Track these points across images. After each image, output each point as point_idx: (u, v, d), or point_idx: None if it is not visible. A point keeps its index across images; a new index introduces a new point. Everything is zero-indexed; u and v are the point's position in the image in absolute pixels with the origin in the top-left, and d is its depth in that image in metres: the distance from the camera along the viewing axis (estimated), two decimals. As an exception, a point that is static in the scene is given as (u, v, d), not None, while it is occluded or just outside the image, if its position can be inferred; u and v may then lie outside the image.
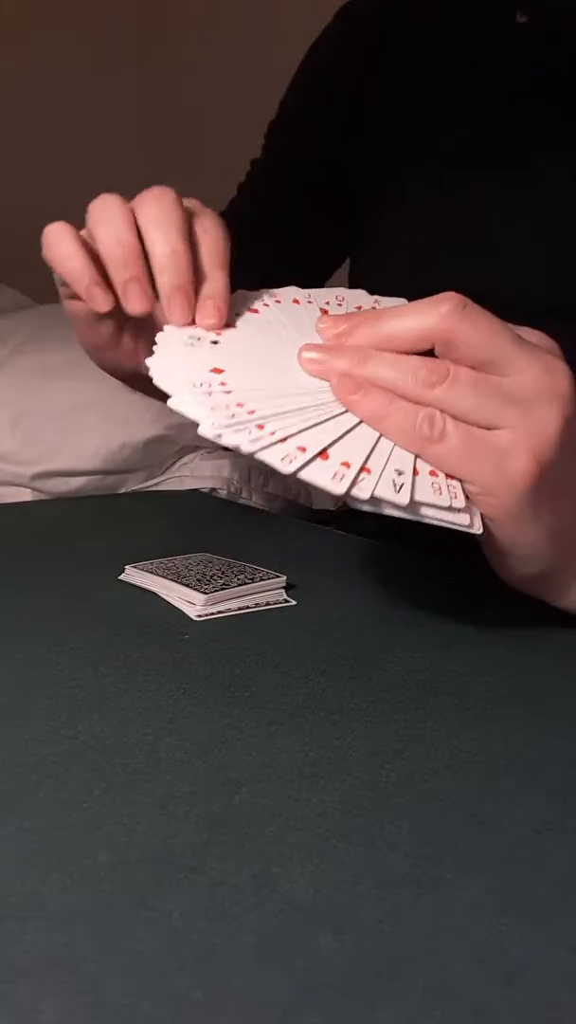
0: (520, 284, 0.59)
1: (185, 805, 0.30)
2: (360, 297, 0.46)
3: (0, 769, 0.32)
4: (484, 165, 0.64)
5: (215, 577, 0.51)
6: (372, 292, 0.49)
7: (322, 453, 0.36)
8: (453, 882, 0.27)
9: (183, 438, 1.13)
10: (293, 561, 0.54)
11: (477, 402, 0.37)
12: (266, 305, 0.45)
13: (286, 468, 0.35)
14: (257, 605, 0.49)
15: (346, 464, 0.35)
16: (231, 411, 0.36)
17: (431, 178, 0.66)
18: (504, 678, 0.41)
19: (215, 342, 0.41)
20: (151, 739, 0.34)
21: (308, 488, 1.61)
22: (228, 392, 0.37)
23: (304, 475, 0.35)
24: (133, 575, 0.53)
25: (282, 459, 0.35)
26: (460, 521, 0.37)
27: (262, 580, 0.50)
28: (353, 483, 0.35)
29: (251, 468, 1.26)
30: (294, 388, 0.38)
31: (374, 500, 0.36)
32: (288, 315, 0.44)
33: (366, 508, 0.36)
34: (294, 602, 0.50)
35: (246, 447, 0.35)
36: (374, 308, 0.44)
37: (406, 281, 0.52)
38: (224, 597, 0.49)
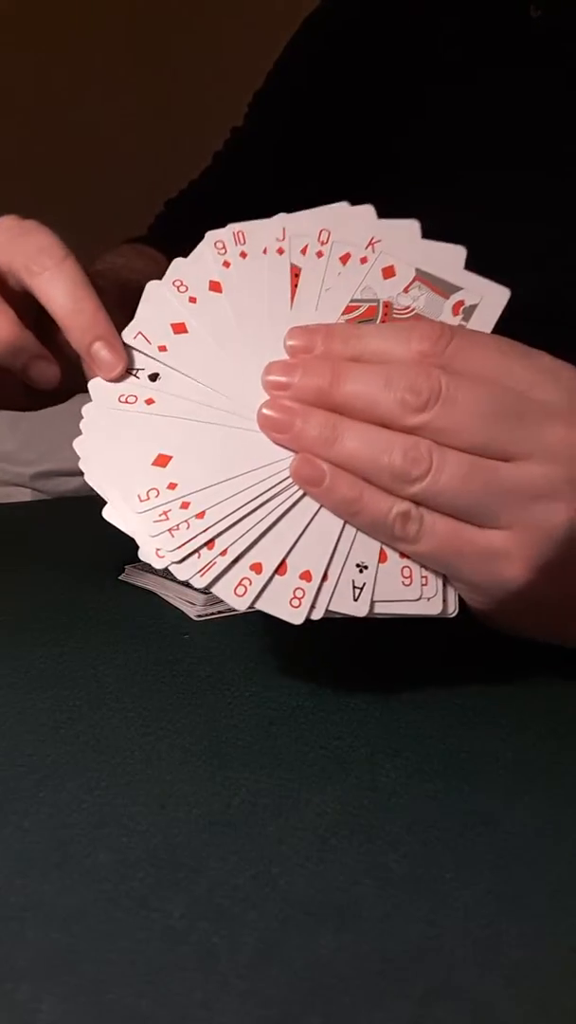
0: (532, 289, 0.58)
1: (185, 805, 0.30)
2: (350, 229, 0.37)
3: (0, 769, 0.32)
4: (495, 165, 0.62)
5: (215, 577, 0.50)
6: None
7: (280, 567, 0.32)
8: (453, 882, 0.27)
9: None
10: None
11: (466, 500, 0.31)
12: (227, 265, 0.36)
13: (241, 603, 0.31)
14: (257, 605, 0.49)
15: (306, 576, 0.32)
16: (175, 521, 0.32)
17: (439, 179, 0.64)
18: (504, 677, 0.41)
19: (154, 376, 0.35)
20: (151, 739, 0.34)
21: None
22: (172, 491, 0.32)
23: (260, 606, 0.32)
24: (133, 575, 0.53)
25: (235, 590, 0.31)
26: (429, 612, 0.33)
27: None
28: (312, 605, 0.32)
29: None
30: (248, 463, 0.33)
31: (329, 613, 0.32)
32: (252, 291, 0.36)
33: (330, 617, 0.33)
34: (294, 602, 0.50)
35: (197, 581, 0.31)
36: (366, 259, 0.35)
37: None
38: (224, 597, 0.49)
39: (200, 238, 0.39)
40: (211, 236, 0.37)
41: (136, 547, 0.32)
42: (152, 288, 0.37)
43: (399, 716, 0.37)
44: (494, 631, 0.46)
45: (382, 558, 0.32)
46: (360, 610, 0.32)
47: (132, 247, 0.66)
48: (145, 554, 0.32)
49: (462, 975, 0.23)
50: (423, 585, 0.33)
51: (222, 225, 0.40)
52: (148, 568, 0.53)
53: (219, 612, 0.48)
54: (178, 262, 0.37)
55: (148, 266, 0.46)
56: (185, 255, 0.39)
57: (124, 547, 0.63)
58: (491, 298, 0.34)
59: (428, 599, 0.33)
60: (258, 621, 0.47)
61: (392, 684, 0.40)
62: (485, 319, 0.34)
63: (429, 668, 0.41)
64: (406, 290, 0.35)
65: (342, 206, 0.37)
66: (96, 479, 0.33)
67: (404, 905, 0.26)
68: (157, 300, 0.36)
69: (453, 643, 0.45)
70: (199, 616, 0.47)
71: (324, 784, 0.32)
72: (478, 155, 0.63)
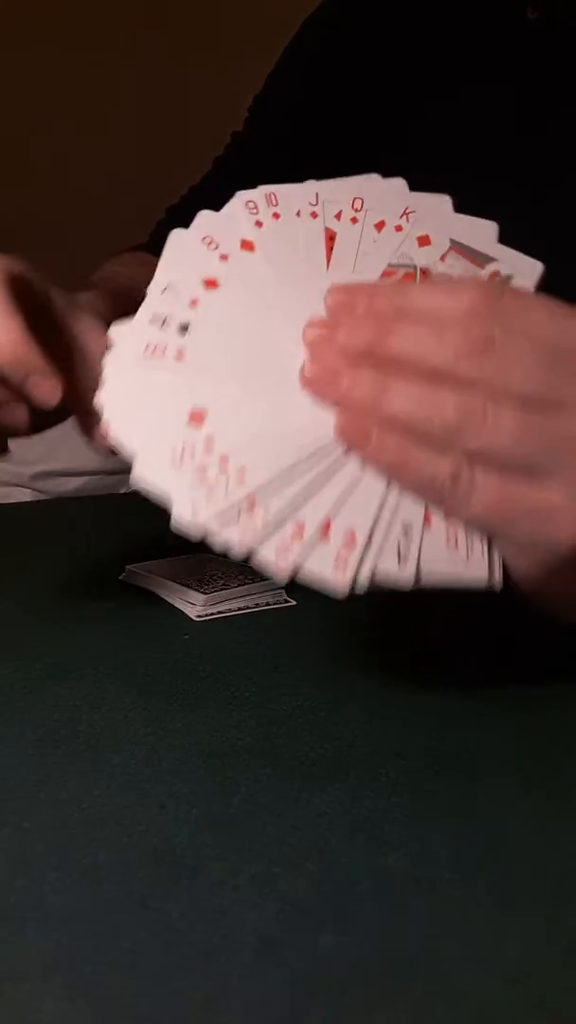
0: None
1: (185, 805, 0.30)
2: (384, 199, 0.36)
3: (0, 769, 0.32)
4: (495, 165, 0.62)
5: (215, 577, 0.51)
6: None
7: (323, 530, 0.30)
8: (453, 882, 0.27)
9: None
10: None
11: (520, 454, 0.30)
12: (259, 225, 0.35)
13: (282, 575, 0.29)
14: (257, 605, 0.49)
15: (349, 539, 0.30)
16: (213, 477, 0.30)
17: (440, 181, 0.64)
18: (504, 677, 0.41)
19: (184, 327, 0.32)
20: (151, 739, 0.34)
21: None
22: (210, 447, 0.30)
23: (304, 575, 0.29)
24: (133, 575, 0.53)
25: (277, 556, 0.29)
26: (478, 577, 0.31)
27: (262, 580, 0.50)
28: (357, 569, 0.30)
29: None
30: (288, 421, 0.31)
31: (375, 582, 0.30)
32: (287, 250, 0.34)
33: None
34: (294, 602, 0.50)
35: (237, 548, 0.29)
36: (401, 227, 0.35)
37: None
38: (224, 597, 0.49)
39: None
40: (242, 196, 0.36)
41: (168, 511, 0.30)
42: (177, 239, 0.35)
43: (399, 716, 0.37)
44: (495, 631, 0.46)
45: (427, 520, 0.31)
46: (406, 574, 0.30)
47: (134, 255, 0.65)
48: (179, 514, 0.29)
49: (462, 975, 0.23)
50: (469, 551, 0.31)
51: None
52: (148, 568, 0.53)
53: (219, 612, 0.48)
54: (206, 217, 0.35)
55: (148, 274, 0.43)
56: None
57: (124, 547, 0.63)
58: (524, 271, 0.33)
59: (475, 566, 0.31)
60: (258, 621, 0.47)
61: (392, 684, 0.40)
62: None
63: (429, 668, 0.41)
64: (442, 259, 0.34)
65: (374, 177, 0.36)
66: (125, 436, 0.31)
67: (404, 905, 0.26)
68: (185, 253, 0.34)
69: (454, 642, 0.45)
70: (199, 616, 0.47)
71: (324, 784, 0.32)
72: (479, 155, 0.63)
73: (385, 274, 0.34)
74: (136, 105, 1.99)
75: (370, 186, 0.36)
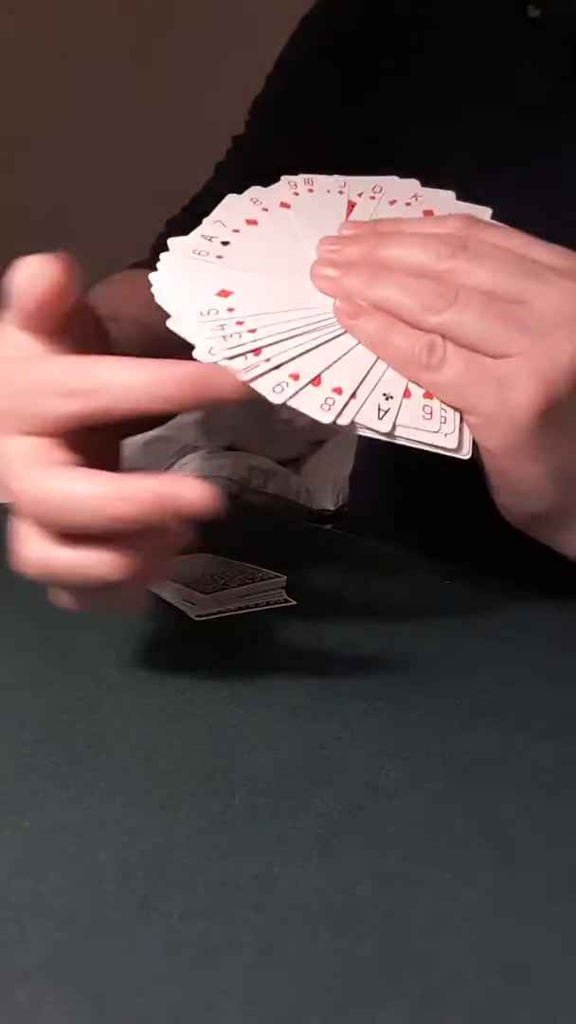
0: None
1: (185, 805, 0.30)
2: (399, 188, 0.44)
3: (0, 769, 0.32)
4: (498, 164, 0.62)
5: (215, 577, 0.51)
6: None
7: (315, 379, 0.36)
8: (453, 882, 0.27)
9: (183, 438, 1.13)
10: (293, 561, 0.54)
11: (484, 328, 0.35)
12: (296, 194, 0.44)
13: (276, 398, 0.35)
14: (257, 605, 0.49)
15: (337, 390, 0.36)
16: (230, 332, 0.36)
17: (440, 178, 0.64)
18: (505, 677, 0.41)
19: (226, 243, 0.41)
20: (151, 739, 0.34)
21: (309, 486, 1.62)
22: (231, 312, 0.37)
23: (293, 403, 0.35)
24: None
25: (274, 388, 0.35)
26: (446, 445, 0.36)
27: (262, 580, 0.50)
28: (340, 412, 0.35)
29: (251, 468, 1.26)
30: (298, 305, 0.38)
31: (355, 425, 0.36)
32: (315, 208, 0.43)
33: (355, 432, 0.36)
34: (294, 602, 0.50)
35: (241, 375, 0.35)
36: (410, 203, 0.43)
37: None
38: (224, 597, 0.49)
39: None
40: (286, 179, 0.44)
41: (192, 348, 0.36)
42: (229, 199, 0.43)
43: (399, 716, 0.37)
44: (494, 631, 0.46)
45: (406, 394, 0.36)
46: (384, 427, 0.35)
47: (134, 275, 0.64)
48: (199, 353, 0.35)
49: (462, 975, 0.23)
50: (442, 422, 0.36)
51: None
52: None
53: (219, 612, 0.48)
54: (255, 188, 0.44)
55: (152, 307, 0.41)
56: None
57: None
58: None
59: (446, 434, 0.36)
60: (258, 621, 0.47)
61: (392, 684, 0.40)
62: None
63: (429, 668, 0.41)
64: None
65: (392, 178, 0.45)
66: (164, 298, 0.37)
67: (404, 905, 0.26)
68: (234, 206, 0.43)
69: (453, 642, 0.45)
70: (199, 616, 0.47)
71: (324, 784, 0.32)
72: (483, 156, 0.63)
73: None
74: (136, 106, 1.99)
75: (388, 180, 0.45)
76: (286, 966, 0.23)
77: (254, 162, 0.73)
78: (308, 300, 0.38)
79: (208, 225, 0.42)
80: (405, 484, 0.74)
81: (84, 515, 0.32)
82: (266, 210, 0.43)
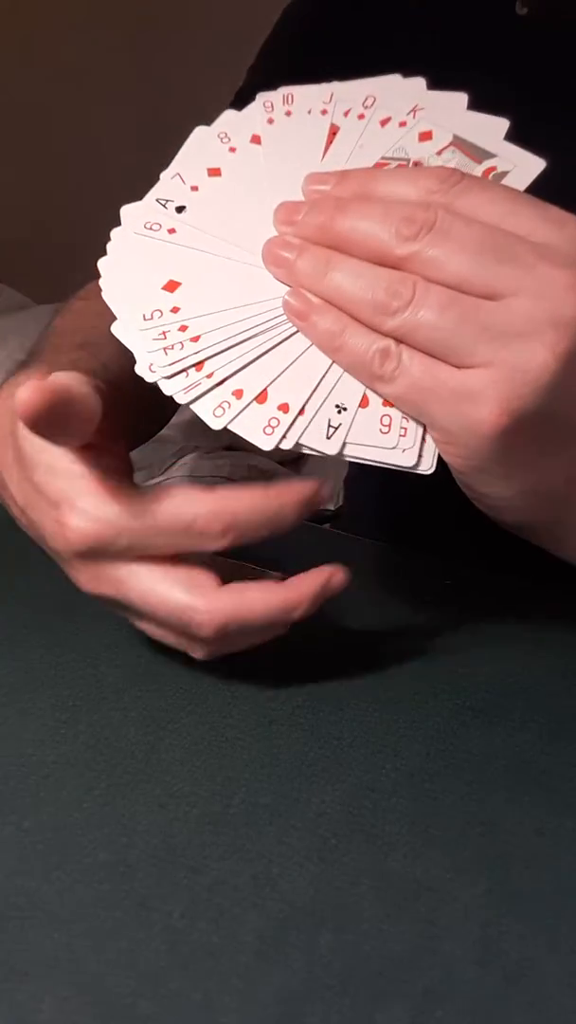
0: None
1: (185, 805, 0.30)
2: (396, 97, 0.38)
3: (0, 769, 0.32)
4: None
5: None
6: None
7: (260, 395, 0.33)
8: (453, 882, 0.27)
9: (182, 438, 1.13)
10: (293, 561, 0.54)
11: (443, 333, 0.30)
12: (271, 121, 0.38)
13: (216, 423, 0.32)
14: (257, 605, 0.49)
15: (283, 407, 0.32)
16: (172, 341, 0.33)
17: None
18: (504, 677, 0.41)
19: (181, 208, 0.36)
20: (151, 739, 0.34)
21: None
22: (174, 315, 0.34)
23: (234, 427, 0.32)
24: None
25: (214, 411, 0.32)
26: (402, 463, 0.33)
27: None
28: (284, 435, 0.32)
29: (251, 468, 1.26)
30: (250, 297, 0.34)
31: (299, 447, 0.33)
32: (289, 142, 0.37)
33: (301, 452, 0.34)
34: (294, 602, 0.50)
35: (180, 397, 0.32)
36: (405, 123, 0.37)
37: None
38: (224, 597, 0.48)
39: None
40: (262, 96, 0.39)
41: (134, 362, 0.33)
42: (198, 133, 0.38)
43: (399, 716, 0.37)
44: (494, 631, 0.46)
45: (363, 403, 0.33)
46: (331, 448, 0.32)
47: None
48: (139, 368, 0.33)
49: (462, 975, 0.23)
50: (401, 436, 0.32)
51: None
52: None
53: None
54: (228, 115, 0.39)
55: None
56: None
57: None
58: (524, 167, 0.34)
59: (404, 450, 0.33)
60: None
61: (392, 684, 0.40)
62: (514, 186, 0.34)
63: (429, 668, 0.41)
64: (439, 153, 0.35)
65: (394, 77, 0.39)
66: (110, 296, 0.35)
67: (404, 905, 0.26)
68: (200, 146, 0.38)
69: (453, 642, 0.45)
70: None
71: (324, 784, 0.32)
72: None
73: (377, 166, 0.36)
74: (136, 108, 1.99)
75: (387, 85, 0.38)
76: (286, 966, 0.23)
77: None
78: (261, 289, 0.34)
79: (165, 183, 0.37)
80: (404, 483, 0.74)
81: (264, 635, 0.37)
82: (234, 150, 0.38)
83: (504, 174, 0.34)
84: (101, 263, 0.36)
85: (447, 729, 0.36)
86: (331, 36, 0.69)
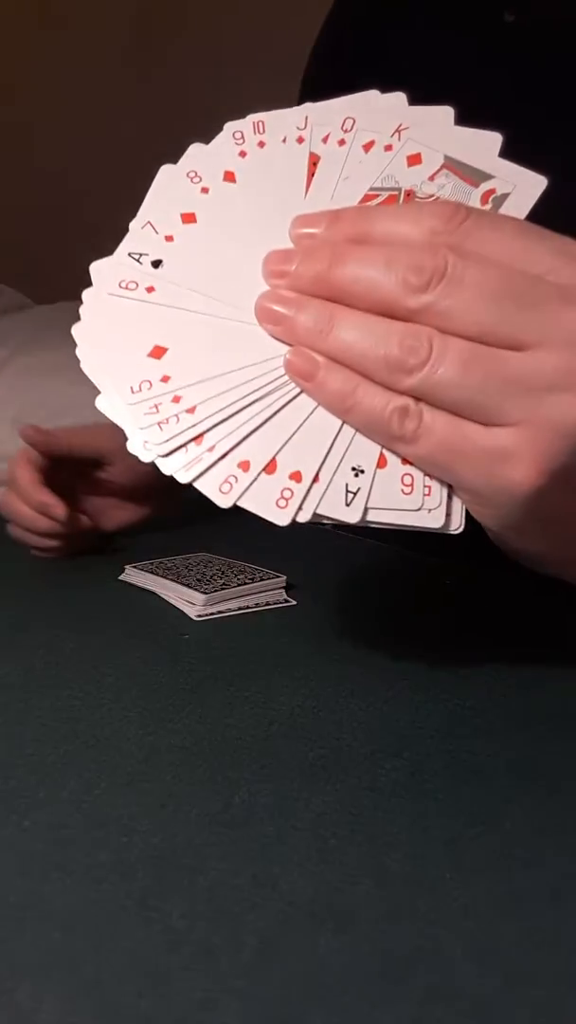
0: None
1: (185, 805, 0.30)
2: (377, 117, 0.34)
3: (0, 769, 0.32)
4: None
5: (215, 577, 0.51)
6: None
7: (268, 466, 0.30)
8: (453, 882, 0.27)
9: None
10: (293, 561, 0.54)
11: (468, 392, 0.28)
12: (243, 154, 0.34)
13: (224, 501, 0.29)
14: (257, 605, 0.49)
15: (295, 476, 0.29)
16: (166, 415, 0.30)
17: None
18: (504, 677, 0.41)
19: (157, 263, 0.32)
20: (151, 739, 0.34)
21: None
22: (165, 384, 0.31)
23: (244, 504, 0.30)
24: (133, 575, 0.53)
25: (221, 488, 0.30)
26: (430, 524, 0.30)
27: (262, 580, 0.50)
28: (300, 507, 0.29)
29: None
30: (246, 358, 0.31)
31: (318, 518, 0.30)
32: (267, 179, 0.34)
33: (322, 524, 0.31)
34: (294, 602, 0.50)
35: (181, 476, 0.30)
36: (391, 147, 0.33)
37: None
38: (224, 597, 0.49)
39: None
40: (230, 126, 0.35)
41: (125, 439, 0.31)
42: (165, 174, 0.35)
43: (399, 716, 0.37)
44: (494, 631, 0.46)
45: (381, 463, 0.30)
46: (352, 516, 0.29)
47: None
48: (133, 447, 0.30)
49: (462, 975, 0.23)
50: (425, 495, 0.30)
51: None
52: (148, 568, 0.53)
53: (219, 612, 0.48)
54: (196, 150, 0.35)
55: None
56: None
57: (124, 547, 0.63)
58: (525, 186, 0.32)
59: (429, 510, 0.30)
60: (258, 621, 0.47)
61: (392, 684, 0.40)
62: (517, 209, 0.31)
63: (429, 668, 0.41)
64: (432, 178, 0.32)
65: (372, 93, 0.35)
66: (91, 367, 0.32)
67: (404, 905, 0.26)
68: (169, 187, 0.34)
69: (453, 642, 0.45)
70: (199, 616, 0.47)
71: (324, 784, 0.31)
72: None
73: (366, 198, 0.33)
74: (136, 108, 1.99)
75: (365, 104, 0.34)
76: (286, 966, 0.23)
77: None
78: (257, 348, 0.31)
79: (135, 234, 0.34)
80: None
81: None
82: (206, 191, 0.34)
83: (505, 196, 0.32)
84: (76, 330, 0.33)
85: (447, 729, 0.36)
86: (350, 46, 0.71)
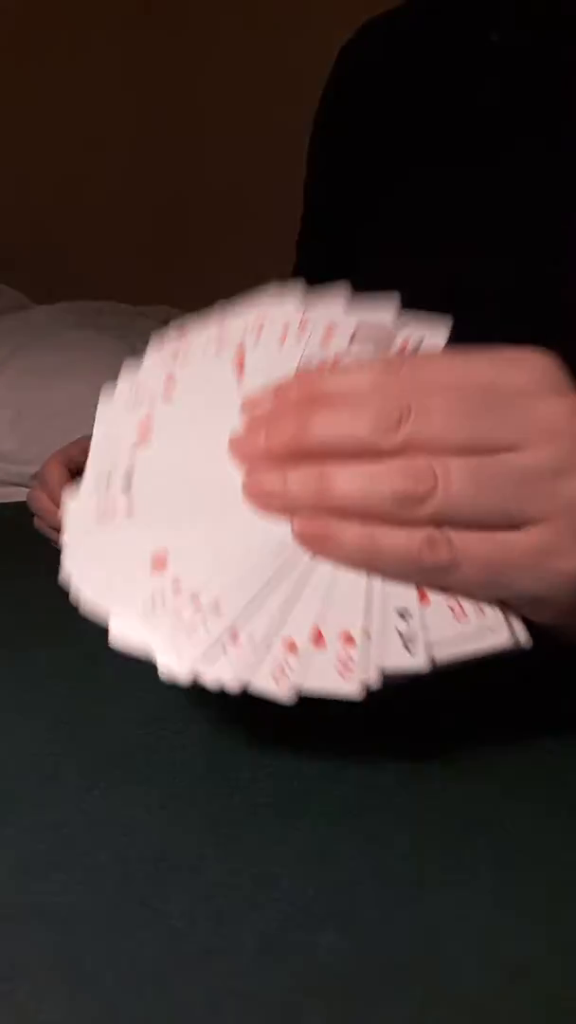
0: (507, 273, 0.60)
1: (185, 805, 0.30)
2: (281, 311, 0.35)
3: (0, 769, 0.32)
4: (458, 182, 0.66)
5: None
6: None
7: (316, 637, 0.27)
8: (453, 882, 0.27)
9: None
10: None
11: (488, 502, 0.28)
12: (171, 379, 0.34)
13: (285, 694, 0.27)
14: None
15: (347, 639, 0.27)
16: (190, 620, 0.28)
17: (409, 209, 0.68)
18: (505, 677, 0.41)
19: (127, 482, 0.31)
20: (151, 739, 0.34)
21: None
22: (179, 588, 0.28)
23: (308, 687, 0.27)
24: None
25: (276, 679, 0.27)
26: (499, 643, 0.29)
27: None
28: (366, 669, 0.27)
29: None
30: (248, 541, 0.30)
31: (387, 676, 0.28)
32: (202, 387, 0.34)
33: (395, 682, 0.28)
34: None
35: (232, 684, 0.27)
36: (302, 327, 0.34)
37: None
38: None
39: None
40: (151, 354, 0.35)
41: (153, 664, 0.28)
42: (101, 411, 0.34)
43: (400, 716, 0.37)
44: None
45: (423, 599, 0.28)
46: (419, 662, 0.27)
47: None
48: (165, 668, 0.27)
49: (462, 975, 0.23)
50: (480, 616, 0.28)
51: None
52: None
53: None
54: (124, 382, 0.35)
55: None
56: None
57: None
58: (434, 329, 0.33)
59: (491, 630, 0.28)
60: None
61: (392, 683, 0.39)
62: (435, 350, 0.33)
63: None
64: (349, 346, 0.33)
65: (270, 293, 0.36)
66: (94, 605, 0.29)
67: (404, 905, 0.26)
68: (112, 425, 0.34)
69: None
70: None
71: (324, 784, 0.31)
72: (444, 175, 0.66)
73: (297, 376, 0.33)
74: (136, 108, 1.99)
75: (267, 303, 0.35)
76: (286, 966, 0.23)
77: (321, 238, 0.77)
78: (256, 529, 0.30)
79: (98, 457, 0.32)
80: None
81: None
82: (151, 417, 0.33)
83: (420, 342, 0.32)
84: (68, 571, 0.30)
85: (447, 729, 0.36)
86: (363, 113, 0.73)
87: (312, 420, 0.29)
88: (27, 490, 1.04)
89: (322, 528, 0.29)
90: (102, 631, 0.45)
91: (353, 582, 0.28)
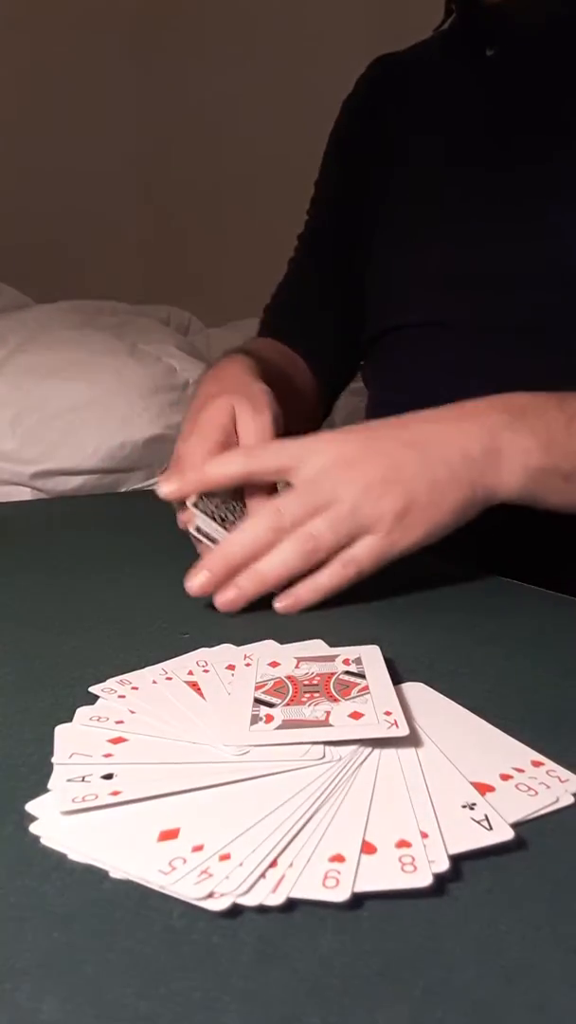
0: (497, 310, 0.66)
1: (185, 805, 0.30)
2: (223, 658, 0.41)
3: (0, 769, 0.32)
4: (458, 193, 0.71)
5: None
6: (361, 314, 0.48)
7: (364, 846, 0.28)
8: (453, 882, 0.27)
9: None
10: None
11: (344, 530, 0.48)
12: (133, 712, 0.36)
13: (341, 895, 0.26)
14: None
15: (403, 844, 0.28)
16: (224, 874, 0.26)
17: (405, 220, 0.74)
18: (504, 676, 0.41)
19: (109, 775, 0.31)
20: (151, 739, 0.34)
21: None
22: (201, 852, 0.27)
23: (368, 887, 0.26)
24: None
25: (325, 883, 0.26)
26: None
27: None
28: (428, 859, 0.27)
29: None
30: (251, 796, 0.30)
31: (455, 857, 0.27)
32: (163, 708, 0.36)
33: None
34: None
35: (271, 900, 0.26)
36: (249, 659, 0.40)
37: (390, 314, 0.65)
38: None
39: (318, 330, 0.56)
40: (102, 701, 0.37)
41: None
42: (61, 735, 0.35)
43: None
44: (493, 630, 0.46)
45: (367, 850, 0.28)
46: (422, 879, 0.27)
47: (270, 342, 0.77)
48: (199, 901, 0.26)
49: (462, 975, 0.23)
50: (392, 725, 0.34)
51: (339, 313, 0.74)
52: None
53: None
54: (80, 721, 0.36)
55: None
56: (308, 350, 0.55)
57: (124, 546, 0.63)
58: (367, 651, 0.41)
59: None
60: (257, 621, 0.47)
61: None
62: (373, 663, 0.40)
63: (429, 667, 0.41)
64: (297, 667, 0.40)
65: (207, 649, 0.42)
66: (113, 868, 0.27)
67: (404, 905, 0.26)
68: (78, 737, 0.34)
69: (452, 642, 0.45)
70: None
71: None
72: (445, 185, 0.73)
73: (257, 687, 0.38)
74: (136, 108, 1.99)
75: (208, 652, 0.42)
76: (286, 966, 0.23)
77: (322, 253, 0.83)
78: (257, 793, 0.30)
79: (67, 767, 0.32)
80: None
81: None
82: (119, 742, 0.34)
83: (359, 658, 0.40)
84: (70, 852, 0.28)
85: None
86: (365, 123, 0.81)
87: (263, 558, 0.49)
88: (27, 489, 1.03)
89: (230, 589, 0.49)
90: (102, 632, 0.45)
91: (355, 807, 0.30)
